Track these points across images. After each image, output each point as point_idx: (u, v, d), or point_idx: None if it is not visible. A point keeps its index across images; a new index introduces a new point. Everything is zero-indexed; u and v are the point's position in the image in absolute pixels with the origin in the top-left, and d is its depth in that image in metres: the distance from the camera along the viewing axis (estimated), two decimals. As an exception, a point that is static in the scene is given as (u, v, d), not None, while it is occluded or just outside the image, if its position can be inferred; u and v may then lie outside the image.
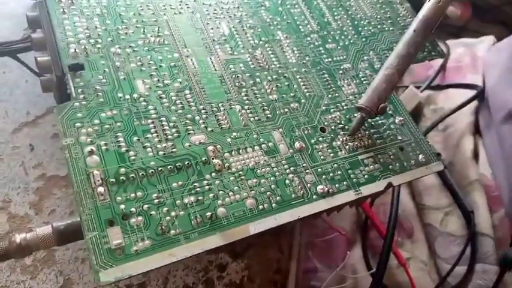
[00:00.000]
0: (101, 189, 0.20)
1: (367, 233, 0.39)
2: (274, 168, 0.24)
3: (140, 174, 0.21)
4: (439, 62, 0.50)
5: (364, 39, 0.32)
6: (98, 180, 0.21)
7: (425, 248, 0.40)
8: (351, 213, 0.40)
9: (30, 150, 0.30)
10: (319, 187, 0.24)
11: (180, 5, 0.28)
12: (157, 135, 0.23)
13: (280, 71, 0.28)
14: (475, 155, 0.43)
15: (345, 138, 0.27)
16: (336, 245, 0.38)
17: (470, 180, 0.41)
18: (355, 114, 0.27)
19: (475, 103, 0.45)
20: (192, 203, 0.21)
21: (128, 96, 0.23)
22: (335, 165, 0.25)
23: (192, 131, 0.24)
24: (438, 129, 0.46)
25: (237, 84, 0.26)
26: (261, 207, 0.22)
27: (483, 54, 0.50)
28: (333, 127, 0.27)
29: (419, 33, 0.26)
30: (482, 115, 0.45)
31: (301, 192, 0.24)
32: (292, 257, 0.31)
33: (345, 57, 0.30)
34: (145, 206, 0.21)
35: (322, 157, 0.25)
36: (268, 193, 0.23)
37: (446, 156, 0.43)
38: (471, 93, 0.45)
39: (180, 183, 0.22)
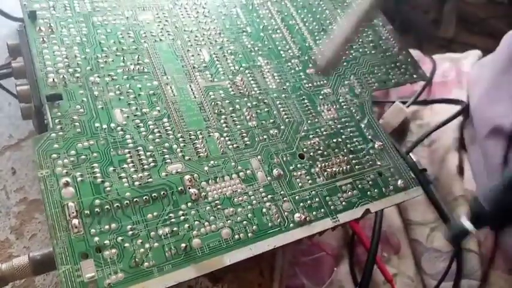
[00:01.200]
0: (75, 221, 0.21)
1: (354, 249, 0.39)
2: (252, 197, 0.24)
3: (115, 205, 0.21)
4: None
5: (345, 64, 0.32)
6: (73, 213, 0.21)
7: (412, 263, 0.40)
8: (338, 229, 0.40)
9: (12, 173, 0.30)
10: (296, 215, 0.24)
11: (161, 32, 0.29)
12: (134, 165, 0.23)
13: (260, 97, 0.28)
14: (461, 171, 0.43)
15: (323, 164, 0.27)
16: (322, 261, 0.38)
17: (455, 196, 0.41)
18: None
19: (460, 118, 0.45)
20: (167, 234, 0.21)
21: (105, 126, 0.24)
22: (313, 192, 0.26)
23: (169, 160, 0.24)
24: (424, 145, 0.46)
25: (216, 111, 0.27)
26: (236, 237, 0.23)
27: (468, 70, 0.50)
28: (311, 153, 0.27)
29: None
30: (467, 130, 0.45)
31: (278, 220, 0.24)
32: (275, 279, 0.31)
33: (325, 81, 0.31)
34: (120, 238, 0.21)
35: (300, 184, 0.26)
36: (244, 222, 0.23)
37: (432, 171, 0.44)
38: (456, 108, 0.46)
39: (155, 214, 0.22)
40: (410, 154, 0.44)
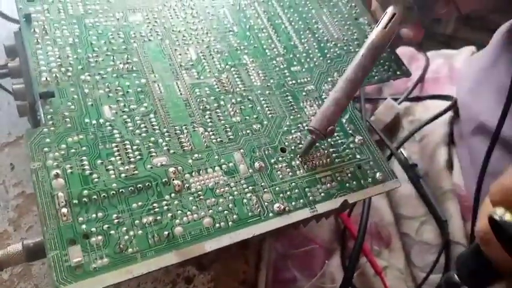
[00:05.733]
0: (64, 210, 0.22)
1: (346, 242, 0.40)
2: (233, 188, 0.25)
3: (102, 195, 0.23)
4: (418, 73, 0.52)
5: (329, 61, 0.33)
6: (62, 202, 0.22)
7: (402, 256, 0.41)
8: (330, 223, 0.41)
9: (11, 169, 0.32)
10: (276, 205, 0.25)
11: (150, 32, 0.30)
12: (121, 158, 0.24)
13: (244, 94, 0.30)
14: (450, 165, 0.44)
15: (304, 158, 0.28)
16: (314, 254, 0.39)
17: (444, 190, 0.42)
18: (307, 136, 0.28)
19: (450, 114, 0.46)
20: (151, 222, 0.23)
21: (94, 122, 0.25)
22: (293, 183, 0.27)
23: (154, 154, 0.25)
24: (415, 140, 0.47)
25: (201, 107, 0.28)
26: (217, 225, 0.24)
27: (460, 66, 0.51)
28: (293, 147, 0.28)
29: (367, 58, 0.28)
30: (457, 126, 0.46)
31: (258, 210, 0.25)
32: (261, 268, 0.32)
33: (309, 79, 0.32)
34: (106, 226, 0.22)
35: (280, 176, 0.27)
36: (225, 212, 0.24)
37: (421, 166, 0.45)
38: (447, 104, 0.47)
39: (139, 204, 0.23)
40: (402, 149, 0.45)
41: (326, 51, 0.34)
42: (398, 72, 0.35)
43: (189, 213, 0.24)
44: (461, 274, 0.24)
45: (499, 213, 0.19)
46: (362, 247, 0.35)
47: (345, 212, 0.39)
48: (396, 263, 0.41)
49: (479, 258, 0.23)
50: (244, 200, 0.25)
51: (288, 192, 0.26)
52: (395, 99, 0.49)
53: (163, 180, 0.24)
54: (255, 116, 0.29)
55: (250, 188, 0.26)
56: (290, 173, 0.27)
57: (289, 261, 0.38)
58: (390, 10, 0.30)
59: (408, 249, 0.42)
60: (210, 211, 0.24)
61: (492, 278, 0.23)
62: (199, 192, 0.25)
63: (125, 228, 0.22)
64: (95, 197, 0.23)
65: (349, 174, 0.28)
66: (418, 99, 0.50)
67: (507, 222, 0.19)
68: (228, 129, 0.28)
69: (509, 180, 0.20)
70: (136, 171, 0.24)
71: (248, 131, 0.28)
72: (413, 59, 0.56)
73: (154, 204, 0.23)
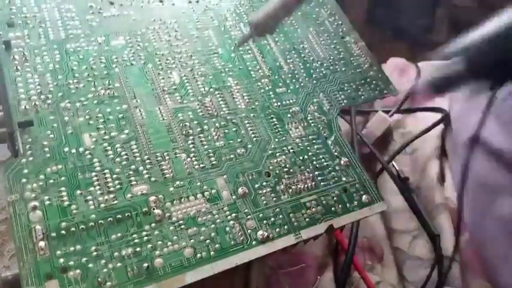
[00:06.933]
0: (41, 243, 0.22)
1: (338, 257, 0.40)
2: (216, 216, 0.25)
3: (80, 227, 0.23)
4: (409, 85, 0.52)
5: (315, 82, 0.33)
6: (40, 235, 0.22)
7: (394, 271, 0.41)
8: (323, 237, 0.41)
9: (-6, 195, 0.31)
10: (259, 233, 0.25)
11: (132, 56, 0.30)
12: (100, 188, 0.24)
13: (228, 117, 0.29)
14: (442, 178, 0.44)
15: (288, 181, 0.28)
16: (306, 270, 0.39)
17: (435, 204, 0.42)
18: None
19: (441, 127, 0.46)
20: (130, 254, 0.22)
21: (74, 151, 0.25)
22: (277, 209, 0.26)
23: (135, 182, 0.25)
24: (406, 153, 0.47)
25: (184, 132, 0.28)
26: (198, 255, 0.23)
27: (452, 77, 0.51)
28: (277, 171, 0.28)
29: None
30: (448, 139, 0.46)
31: (241, 238, 0.25)
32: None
33: (294, 100, 0.32)
34: (84, 259, 0.22)
35: (264, 202, 0.26)
36: (207, 241, 0.24)
37: (413, 179, 0.44)
38: (439, 116, 0.46)
39: (119, 235, 0.23)
40: (393, 163, 0.45)
41: (312, 71, 0.34)
42: (385, 91, 0.35)
43: (169, 243, 0.23)
44: (479, 60, 0.19)
45: None
46: (352, 263, 0.35)
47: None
48: (389, 278, 0.41)
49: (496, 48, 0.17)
50: (227, 228, 0.25)
51: (272, 219, 0.26)
52: (387, 112, 0.49)
53: (144, 209, 0.24)
54: (239, 140, 0.28)
55: (233, 215, 0.25)
56: (274, 198, 0.27)
57: (281, 277, 0.37)
58: None
59: (400, 264, 0.41)
60: (192, 241, 0.24)
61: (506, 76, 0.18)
62: (181, 222, 0.24)
63: (103, 261, 0.22)
64: (73, 229, 0.22)
65: (335, 198, 0.28)
66: (410, 111, 0.50)
67: None
68: (211, 154, 0.27)
69: None
70: (115, 201, 0.24)
71: (232, 156, 0.28)
72: (404, 71, 0.56)
73: (134, 235, 0.23)
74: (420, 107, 0.50)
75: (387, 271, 0.41)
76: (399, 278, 0.40)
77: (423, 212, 0.41)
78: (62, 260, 0.21)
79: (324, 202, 0.28)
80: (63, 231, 0.22)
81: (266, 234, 0.25)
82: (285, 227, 0.26)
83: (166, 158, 0.26)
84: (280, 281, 0.37)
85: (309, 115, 0.31)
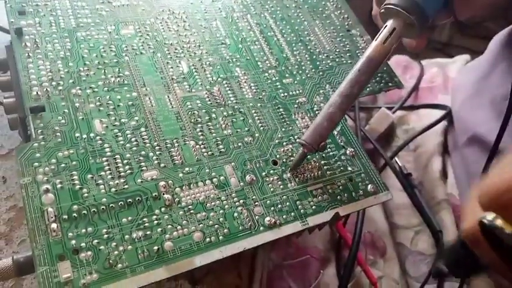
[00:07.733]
0: (53, 225, 0.22)
1: (341, 252, 0.40)
2: (224, 202, 0.25)
3: (92, 210, 0.23)
4: (412, 82, 0.52)
5: (321, 73, 0.33)
6: (52, 217, 0.22)
7: (397, 266, 0.41)
8: (325, 232, 0.41)
9: (3, 182, 0.32)
10: (267, 219, 0.25)
11: (142, 45, 0.30)
12: (111, 173, 0.24)
13: (236, 107, 0.30)
14: (444, 175, 0.44)
15: (295, 170, 0.28)
16: (309, 264, 0.39)
17: (438, 200, 0.42)
18: (299, 149, 0.28)
19: (444, 123, 0.47)
20: (140, 237, 0.23)
21: (84, 136, 0.25)
22: (284, 196, 0.27)
23: (145, 168, 0.25)
24: (410, 149, 0.47)
25: (192, 120, 0.28)
26: (207, 240, 0.24)
27: (454, 75, 0.52)
28: (284, 159, 0.28)
29: (363, 72, 0.27)
30: (451, 136, 0.46)
31: (249, 224, 0.25)
32: (255, 281, 0.32)
33: (300, 91, 0.32)
34: (95, 241, 0.22)
35: (272, 189, 0.27)
36: (216, 226, 0.24)
37: (416, 176, 0.45)
38: (441, 113, 0.47)
39: (129, 218, 0.23)
40: (396, 159, 0.45)
41: (318, 63, 0.34)
42: (390, 84, 0.35)
43: (179, 227, 0.24)
44: (448, 264, 0.24)
45: (490, 218, 0.18)
46: (356, 257, 0.35)
47: (341, 221, 0.39)
48: (391, 273, 0.41)
49: (465, 250, 0.22)
50: (235, 214, 0.25)
51: (279, 206, 0.26)
52: (390, 108, 0.49)
53: (154, 194, 0.24)
54: (246, 129, 0.29)
55: (241, 201, 0.26)
56: (281, 186, 0.27)
57: (284, 271, 0.38)
58: (390, 24, 0.28)
59: (403, 259, 0.42)
60: (201, 225, 0.24)
61: (477, 269, 0.23)
62: (190, 207, 0.25)
63: (114, 244, 0.22)
64: (84, 212, 0.23)
65: (341, 187, 0.28)
66: (413, 108, 0.51)
67: (498, 228, 0.18)
68: (219, 142, 0.28)
69: (498, 179, 0.18)
70: (126, 186, 0.24)
71: (239, 144, 0.28)
72: (407, 68, 0.56)
73: (144, 219, 0.23)
74: (423, 103, 0.50)
75: (389, 266, 0.41)
76: (401, 273, 0.41)
77: (426, 208, 0.42)
78: (73, 242, 0.22)
79: (330, 191, 0.28)
80: (74, 214, 0.23)
81: (273, 220, 0.25)
82: (292, 214, 0.26)
83: (176, 144, 0.27)
84: (284, 276, 0.38)
85: (315, 106, 0.32)
